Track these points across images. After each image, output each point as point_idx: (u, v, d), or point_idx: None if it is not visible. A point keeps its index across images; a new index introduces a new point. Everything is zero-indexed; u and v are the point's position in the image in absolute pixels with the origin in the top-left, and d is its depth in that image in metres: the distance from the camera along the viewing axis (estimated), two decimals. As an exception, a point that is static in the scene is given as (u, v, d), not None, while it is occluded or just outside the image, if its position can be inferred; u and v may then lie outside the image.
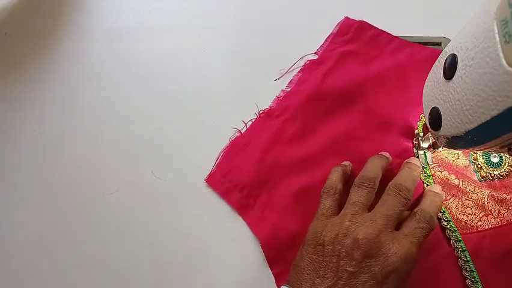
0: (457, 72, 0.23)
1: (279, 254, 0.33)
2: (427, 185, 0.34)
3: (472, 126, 0.23)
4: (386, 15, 0.43)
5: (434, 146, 0.34)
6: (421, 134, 0.35)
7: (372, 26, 0.42)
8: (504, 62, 0.19)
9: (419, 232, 0.28)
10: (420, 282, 0.31)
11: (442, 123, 0.26)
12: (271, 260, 0.33)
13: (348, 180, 0.33)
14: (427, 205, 0.30)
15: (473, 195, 0.34)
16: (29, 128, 0.40)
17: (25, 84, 0.43)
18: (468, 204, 0.34)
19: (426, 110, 0.28)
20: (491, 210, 0.33)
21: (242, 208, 0.35)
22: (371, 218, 0.28)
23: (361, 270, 0.26)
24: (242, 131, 0.39)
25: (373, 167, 0.32)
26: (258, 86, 0.41)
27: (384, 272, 0.26)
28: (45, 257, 0.35)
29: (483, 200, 0.34)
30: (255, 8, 0.46)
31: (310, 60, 0.41)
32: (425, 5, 0.44)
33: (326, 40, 0.42)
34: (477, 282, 0.31)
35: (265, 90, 0.40)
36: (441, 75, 0.25)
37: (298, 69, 0.41)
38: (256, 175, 0.36)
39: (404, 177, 0.31)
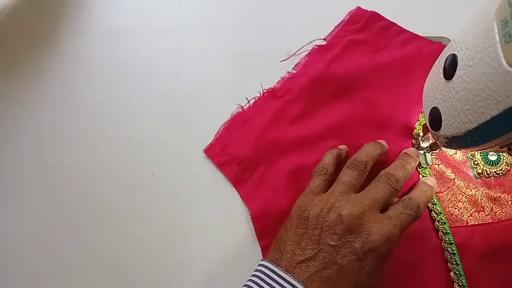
0: (457, 72, 0.23)
1: (267, 227, 0.34)
2: (423, 176, 0.34)
3: (472, 126, 0.23)
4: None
5: (434, 146, 0.34)
6: (421, 134, 0.35)
7: (383, 17, 0.42)
8: (504, 62, 0.19)
9: (404, 217, 0.29)
10: (405, 271, 0.32)
11: (442, 123, 0.26)
12: (260, 233, 0.34)
13: (341, 163, 0.34)
14: (417, 195, 0.31)
15: (467, 190, 0.34)
16: (29, 128, 0.40)
17: (25, 84, 0.43)
18: (461, 198, 0.34)
19: (426, 110, 0.28)
20: (483, 207, 0.33)
21: (237, 181, 0.36)
22: (357, 198, 0.29)
23: (342, 244, 0.27)
24: (244, 108, 0.40)
25: (366, 151, 0.33)
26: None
27: (365, 248, 0.26)
28: (44, 257, 0.35)
29: (476, 196, 0.34)
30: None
31: (318, 45, 0.42)
32: (425, 5, 0.44)
33: (335, 27, 0.43)
34: (461, 275, 0.31)
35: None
36: (441, 75, 0.25)
37: (306, 53, 0.42)
38: (254, 151, 0.37)
39: (397, 168, 0.32)
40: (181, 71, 0.43)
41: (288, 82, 0.40)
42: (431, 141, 0.34)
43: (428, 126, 0.28)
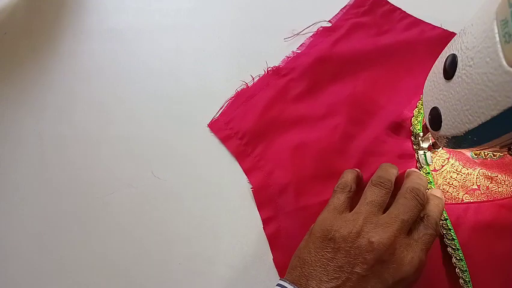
0: (457, 72, 0.24)
1: (268, 200, 0.35)
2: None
3: (472, 126, 0.23)
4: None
5: (434, 146, 0.34)
6: (421, 134, 0.35)
7: (388, 1, 0.44)
8: (504, 62, 0.19)
9: (427, 238, 0.28)
10: None
11: (442, 123, 0.26)
12: (260, 205, 0.35)
13: (358, 185, 0.33)
14: (432, 211, 0.30)
15: (463, 169, 0.35)
16: (29, 128, 0.40)
17: (25, 84, 0.43)
18: (456, 177, 0.34)
19: (426, 110, 0.28)
20: (479, 186, 0.34)
21: (239, 154, 0.38)
22: (387, 221, 0.27)
23: (372, 274, 0.26)
24: (249, 84, 0.41)
25: (389, 169, 0.32)
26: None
27: (396, 279, 0.25)
28: (44, 257, 0.35)
29: (473, 175, 0.34)
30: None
31: (324, 27, 0.43)
32: (425, 4, 0.44)
33: (340, 10, 0.44)
34: (458, 250, 0.31)
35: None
36: (442, 75, 0.25)
37: (311, 34, 0.43)
38: (257, 126, 0.38)
39: (418, 181, 0.30)
40: (180, 71, 0.43)
41: (292, 61, 0.41)
42: (431, 141, 0.34)
43: (428, 126, 0.28)
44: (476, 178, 0.34)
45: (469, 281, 0.30)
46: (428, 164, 0.35)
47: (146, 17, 0.46)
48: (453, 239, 0.31)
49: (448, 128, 0.25)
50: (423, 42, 0.40)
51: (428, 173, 0.34)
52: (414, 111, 0.37)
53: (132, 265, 0.35)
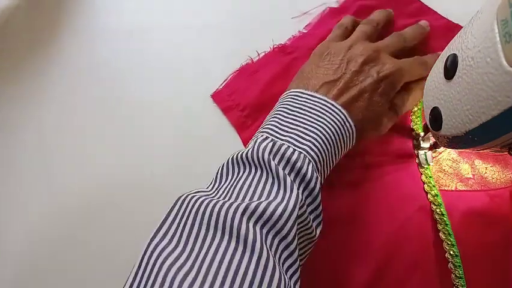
0: (458, 72, 0.23)
1: None
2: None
3: (473, 126, 0.23)
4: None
5: (434, 146, 0.34)
6: (421, 134, 0.35)
7: None
8: (504, 62, 0.19)
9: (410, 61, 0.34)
10: (394, 233, 0.32)
11: (443, 123, 0.26)
12: None
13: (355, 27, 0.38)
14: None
15: (459, 158, 0.35)
16: (29, 128, 0.40)
17: (25, 84, 0.43)
18: (451, 165, 0.35)
19: (427, 110, 0.28)
20: (473, 175, 0.34)
21: (240, 126, 0.39)
22: (373, 43, 0.34)
23: (362, 70, 0.31)
24: (254, 60, 0.42)
25: (376, 13, 0.38)
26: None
27: (380, 74, 0.31)
28: (44, 257, 0.35)
29: (468, 164, 0.35)
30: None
31: (331, 7, 0.43)
32: (426, 4, 0.43)
33: None
34: (450, 235, 0.31)
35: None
36: (442, 74, 0.25)
37: (318, 14, 0.44)
38: (259, 100, 0.39)
39: (409, 31, 0.37)
40: (181, 71, 0.43)
41: (298, 40, 0.42)
42: (431, 141, 0.34)
43: (429, 126, 0.28)
44: (471, 168, 0.35)
45: (460, 266, 0.30)
46: (428, 164, 0.35)
47: (147, 17, 0.46)
48: (446, 225, 0.32)
49: (448, 128, 0.25)
50: (429, 31, 0.40)
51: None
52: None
53: (132, 265, 0.35)
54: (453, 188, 0.34)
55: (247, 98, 0.39)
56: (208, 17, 0.45)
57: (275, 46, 0.42)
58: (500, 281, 0.31)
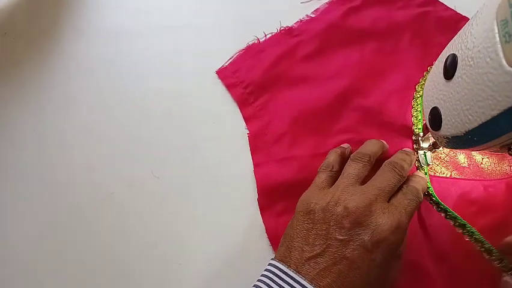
0: (457, 72, 0.24)
1: (261, 146, 0.38)
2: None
3: (472, 126, 0.23)
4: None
5: (434, 146, 0.34)
6: (421, 134, 0.35)
7: None
8: (504, 62, 0.19)
9: (407, 203, 0.29)
10: None
11: (442, 123, 0.26)
12: (254, 150, 0.38)
13: (345, 162, 0.35)
14: (413, 180, 0.31)
15: (451, 152, 0.36)
16: (29, 128, 0.40)
17: (25, 84, 0.43)
18: (448, 153, 0.36)
19: (427, 110, 0.28)
20: (469, 165, 0.35)
21: (242, 102, 0.40)
22: (363, 190, 0.29)
23: (350, 237, 0.26)
24: (260, 40, 0.43)
25: (369, 146, 0.33)
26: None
27: (374, 240, 0.26)
28: (45, 257, 0.35)
29: (464, 153, 0.35)
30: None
31: None
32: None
33: None
34: (456, 217, 0.32)
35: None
36: (442, 75, 0.26)
37: (327, 0, 0.44)
38: (262, 79, 0.40)
39: (399, 156, 0.32)
40: (181, 71, 0.42)
41: (305, 24, 0.43)
42: (431, 141, 0.34)
43: (428, 126, 0.28)
44: (468, 158, 0.35)
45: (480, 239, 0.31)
46: (428, 164, 0.35)
47: (146, 17, 0.46)
48: (446, 210, 0.33)
49: (448, 128, 0.25)
50: (435, 22, 0.41)
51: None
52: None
53: (132, 265, 0.35)
54: (448, 176, 0.35)
55: (251, 76, 0.41)
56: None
57: (282, 28, 0.43)
58: (488, 267, 0.31)
